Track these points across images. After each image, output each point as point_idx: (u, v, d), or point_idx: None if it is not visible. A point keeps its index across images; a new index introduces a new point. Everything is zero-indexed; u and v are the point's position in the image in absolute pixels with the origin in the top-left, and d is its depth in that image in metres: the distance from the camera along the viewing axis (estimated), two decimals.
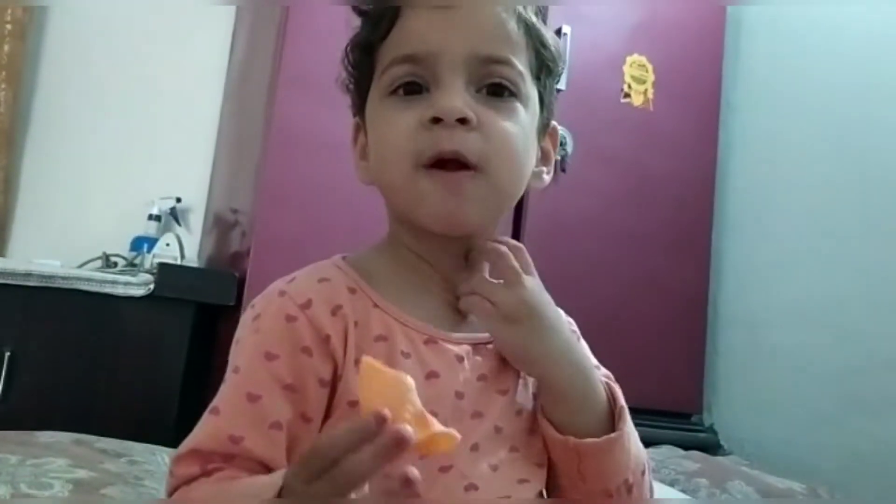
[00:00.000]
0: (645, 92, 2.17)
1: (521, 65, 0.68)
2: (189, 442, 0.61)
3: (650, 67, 2.18)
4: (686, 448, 1.77)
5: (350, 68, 0.73)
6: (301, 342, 0.63)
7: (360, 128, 0.74)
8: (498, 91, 0.66)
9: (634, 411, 0.72)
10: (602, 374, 0.73)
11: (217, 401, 0.62)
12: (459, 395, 0.66)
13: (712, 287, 2.23)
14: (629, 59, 2.16)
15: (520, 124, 0.67)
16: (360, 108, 0.73)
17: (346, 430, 0.47)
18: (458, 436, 0.49)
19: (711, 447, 2.04)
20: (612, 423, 0.69)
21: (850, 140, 2.09)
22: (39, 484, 0.95)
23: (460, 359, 0.67)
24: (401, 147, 0.65)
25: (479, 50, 0.65)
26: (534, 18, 0.70)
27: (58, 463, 1.03)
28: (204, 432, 0.61)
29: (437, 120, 0.63)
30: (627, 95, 2.15)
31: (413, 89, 0.66)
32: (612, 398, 0.70)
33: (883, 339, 1.90)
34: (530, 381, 0.71)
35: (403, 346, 0.65)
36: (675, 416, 2.07)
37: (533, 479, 0.69)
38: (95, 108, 2.29)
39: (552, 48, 0.71)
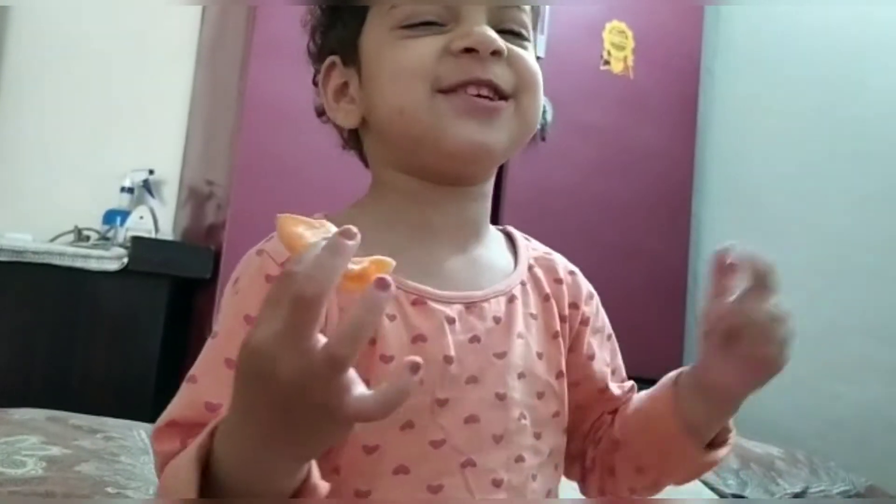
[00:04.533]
0: (625, 59, 2.15)
1: (529, 16, 0.68)
2: (166, 414, 0.58)
3: (630, 34, 2.16)
4: None
5: (327, 5, 0.70)
6: None
7: (333, 66, 0.69)
8: (513, 35, 0.66)
9: None
10: None
11: (194, 369, 0.59)
12: (448, 360, 0.61)
13: (692, 255, 2.23)
14: (608, 26, 2.14)
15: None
16: (342, 43, 0.68)
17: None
18: (392, 261, 0.47)
19: None
20: None
21: (829, 107, 2.09)
22: (12, 462, 0.93)
23: (451, 320, 0.62)
24: (418, 70, 0.62)
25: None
26: None
27: (31, 440, 1.01)
28: (181, 402, 0.58)
29: (468, 50, 0.61)
30: (607, 62, 2.13)
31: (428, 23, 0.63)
32: None
33: (858, 304, 1.92)
34: (532, 340, 0.66)
35: (388, 309, 0.61)
36: (656, 384, 2.08)
37: (537, 450, 0.65)
38: (66, 79, 2.23)
39: None
